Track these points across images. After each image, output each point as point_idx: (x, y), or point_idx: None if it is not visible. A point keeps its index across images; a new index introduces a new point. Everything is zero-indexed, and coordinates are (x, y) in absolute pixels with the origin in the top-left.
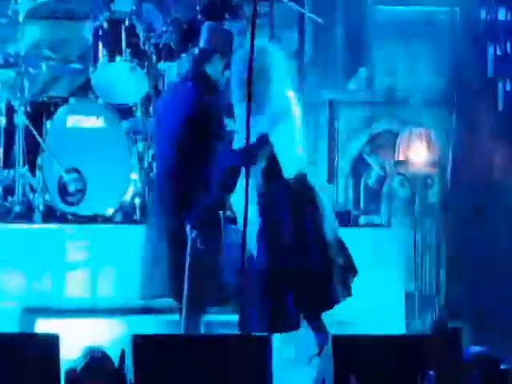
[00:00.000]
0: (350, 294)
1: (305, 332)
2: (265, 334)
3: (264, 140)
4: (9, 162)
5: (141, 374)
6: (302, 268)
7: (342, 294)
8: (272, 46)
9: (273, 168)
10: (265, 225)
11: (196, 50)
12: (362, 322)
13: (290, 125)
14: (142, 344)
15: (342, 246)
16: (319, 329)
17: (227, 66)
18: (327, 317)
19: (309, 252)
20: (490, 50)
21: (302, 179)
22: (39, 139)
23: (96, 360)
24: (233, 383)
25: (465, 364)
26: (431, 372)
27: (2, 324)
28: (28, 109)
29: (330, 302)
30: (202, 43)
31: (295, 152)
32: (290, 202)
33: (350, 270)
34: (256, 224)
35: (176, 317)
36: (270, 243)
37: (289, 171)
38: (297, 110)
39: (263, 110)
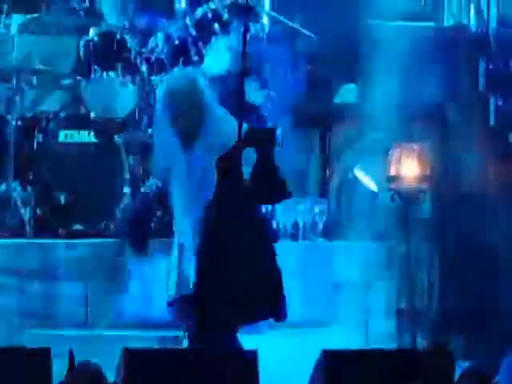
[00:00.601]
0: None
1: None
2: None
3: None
4: (0, 176)
5: None
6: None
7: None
8: (194, 71)
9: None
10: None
11: None
12: (353, 336)
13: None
14: (132, 358)
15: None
16: None
17: None
18: (318, 331)
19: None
20: (482, 64)
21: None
22: (31, 154)
23: (86, 374)
24: None
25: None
26: None
27: None
28: (19, 123)
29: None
30: None
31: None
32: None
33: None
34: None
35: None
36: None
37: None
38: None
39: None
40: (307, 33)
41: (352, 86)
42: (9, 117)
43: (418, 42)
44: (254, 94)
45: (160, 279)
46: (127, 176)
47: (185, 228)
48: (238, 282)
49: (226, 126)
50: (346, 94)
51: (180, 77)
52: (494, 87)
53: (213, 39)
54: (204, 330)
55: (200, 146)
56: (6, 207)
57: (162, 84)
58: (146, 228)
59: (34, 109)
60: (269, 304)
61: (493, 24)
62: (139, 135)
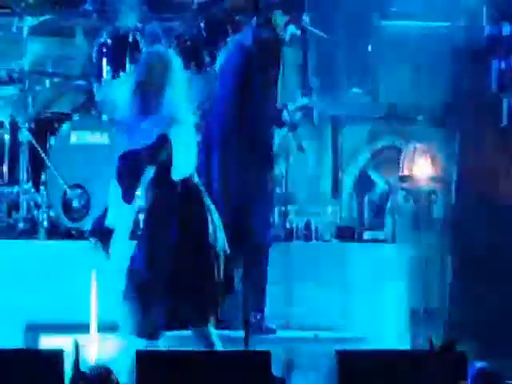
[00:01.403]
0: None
1: None
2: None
3: (164, 139)
4: (13, 179)
5: None
6: (182, 271)
7: (204, 314)
8: (171, 53)
9: (162, 170)
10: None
11: None
12: (367, 337)
13: (183, 129)
14: (145, 359)
15: (227, 260)
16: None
17: None
18: (330, 332)
19: (194, 254)
20: (494, 64)
21: (190, 182)
22: (43, 155)
23: (99, 376)
24: None
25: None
26: None
27: (7, 340)
28: (32, 125)
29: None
30: None
31: (186, 156)
32: (177, 203)
33: (224, 289)
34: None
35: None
36: (154, 244)
37: (178, 173)
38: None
39: (159, 111)
40: (319, 33)
41: (365, 86)
42: (21, 119)
43: (430, 42)
44: None
45: None
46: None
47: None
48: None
49: (180, 114)
50: (359, 95)
51: (155, 52)
52: (506, 88)
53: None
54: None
55: (150, 121)
56: (19, 209)
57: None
58: None
59: (46, 111)
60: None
61: (505, 25)
62: None
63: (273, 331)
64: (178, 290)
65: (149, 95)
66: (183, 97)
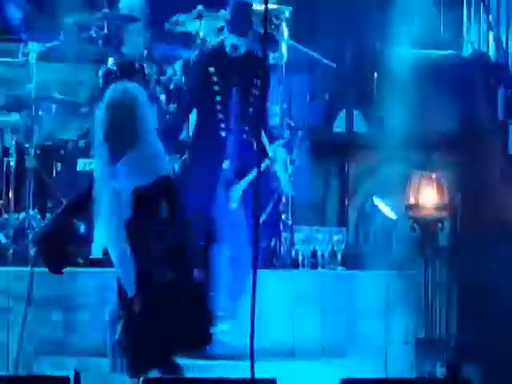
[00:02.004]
0: None
1: None
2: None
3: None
4: (19, 205)
5: None
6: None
7: None
8: (136, 86)
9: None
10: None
11: None
12: (371, 364)
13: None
14: None
15: None
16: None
17: None
18: (334, 360)
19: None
20: (501, 92)
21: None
22: (49, 182)
23: None
24: None
25: None
26: None
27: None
28: (38, 151)
29: None
30: None
31: None
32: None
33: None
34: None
35: None
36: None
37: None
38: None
39: (134, 147)
40: (326, 62)
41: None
42: (27, 145)
43: (437, 70)
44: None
45: None
46: None
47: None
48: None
49: (153, 152)
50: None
51: (120, 89)
52: None
53: None
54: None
55: (125, 166)
56: (26, 235)
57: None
58: None
59: (52, 137)
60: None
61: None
62: None
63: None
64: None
65: (118, 134)
66: (153, 128)
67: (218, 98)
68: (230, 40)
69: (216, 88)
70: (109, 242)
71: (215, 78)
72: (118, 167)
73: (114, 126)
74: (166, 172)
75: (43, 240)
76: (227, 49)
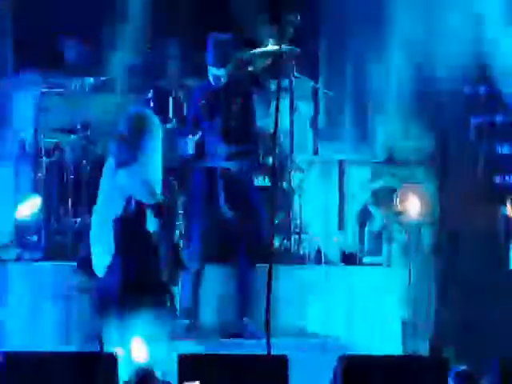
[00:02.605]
0: None
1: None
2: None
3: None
4: (76, 211)
5: None
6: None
7: None
8: (148, 112)
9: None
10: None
11: None
12: (364, 345)
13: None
14: (185, 362)
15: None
16: None
17: None
18: (333, 341)
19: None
20: (472, 119)
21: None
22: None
23: (145, 376)
24: None
25: None
26: None
27: None
28: (91, 166)
29: None
30: None
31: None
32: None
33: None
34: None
35: None
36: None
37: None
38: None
39: (137, 160)
40: (326, 91)
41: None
42: (84, 161)
43: (421, 99)
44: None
45: None
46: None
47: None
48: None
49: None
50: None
51: (139, 109)
52: (482, 138)
53: None
54: None
55: (125, 171)
56: (83, 240)
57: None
58: None
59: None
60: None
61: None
62: None
63: (257, 336)
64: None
65: (127, 147)
66: (159, 149)
67: (208, 125)
68: (212, 72)
69: (205, 116)
70: (95, 225)
71: (204, 108)
72: (120, 172)
73: (127, 135)
74: (156, 199)
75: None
76: (211, 80)
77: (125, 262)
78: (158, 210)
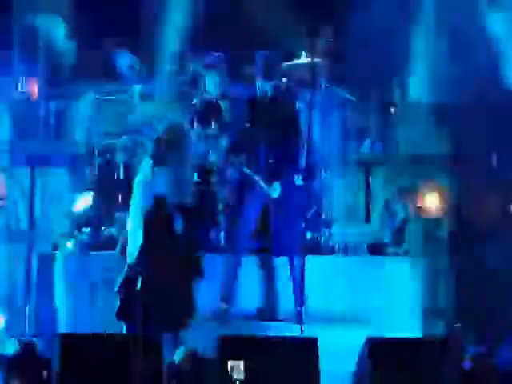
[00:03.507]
0: None
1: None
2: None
3: None
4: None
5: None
6: None
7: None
8: (183, 123)
9: None
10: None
11: None
12: (390, 326)
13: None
14: (225, 342)
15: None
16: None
17: None
18: (356, 323)
19: None
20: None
21: None
22: None
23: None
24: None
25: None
26: None
27: None
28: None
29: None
30: None
31: None
32: None
33: None
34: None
35: None
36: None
37: None
38: None
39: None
40: (352, 98)
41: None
42: (132, 161)
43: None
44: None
45: None
46: (220, 207)
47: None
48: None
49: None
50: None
51: (175, 119)
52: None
53: None
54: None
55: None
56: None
57: None
58: None
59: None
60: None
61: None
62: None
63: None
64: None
65: (163, 150)
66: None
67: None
68: (259, 84)
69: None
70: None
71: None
72: (154, 173)
73: (165, 141)
74: (184, 200)
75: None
76: (258, 91)
77: (148, 258)
78: (186, 211)
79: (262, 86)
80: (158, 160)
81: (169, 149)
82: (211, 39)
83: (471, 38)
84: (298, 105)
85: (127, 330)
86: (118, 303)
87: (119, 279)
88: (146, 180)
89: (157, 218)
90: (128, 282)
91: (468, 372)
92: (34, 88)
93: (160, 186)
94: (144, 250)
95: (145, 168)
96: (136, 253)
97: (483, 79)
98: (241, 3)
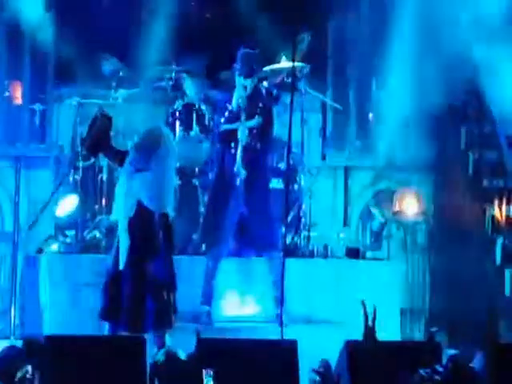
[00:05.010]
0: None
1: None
2: None
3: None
4: (109, 209)
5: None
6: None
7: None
8: (164, 129)
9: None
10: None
11: None
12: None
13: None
14: (205, 345)
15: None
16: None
17: None
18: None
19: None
20: (463, 129)
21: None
22: None
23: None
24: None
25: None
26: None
27: None
28: None
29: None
30: None
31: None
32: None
33: None
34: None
35: None
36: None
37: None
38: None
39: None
40: (336, 105)
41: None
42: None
43: (418, 112)
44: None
45: None
46: (202, 209)
47: None
48: None
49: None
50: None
51: (155, 125)
52: (472, 146)
53: None
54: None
55: (139, 180)
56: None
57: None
58: None
59: None
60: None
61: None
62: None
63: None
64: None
65: (143, 156)
66: (172, 163)
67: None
68: (239, 82)
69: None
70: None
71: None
72: (134, 178)
73: (142, 146)
74: (166, 210)
75: None
76: (238, 88)
77: (133, 261)
78: (162, 219)
79: (242, 83)
80: (137, 165)
81: (146, 154)
82: (193, 43)
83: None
84: (277, 108)
85: (110, 330)
86: (102, 304)
87: (104, 280)
88: (126, 185)
89: (139, 225)
90: (112, 283)
91: (445, 375)
92: (18, 91)
93: (140, 191)
94: (129, 253)
95: (124, 173)
96: (123, 255)
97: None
98: (224, 5)
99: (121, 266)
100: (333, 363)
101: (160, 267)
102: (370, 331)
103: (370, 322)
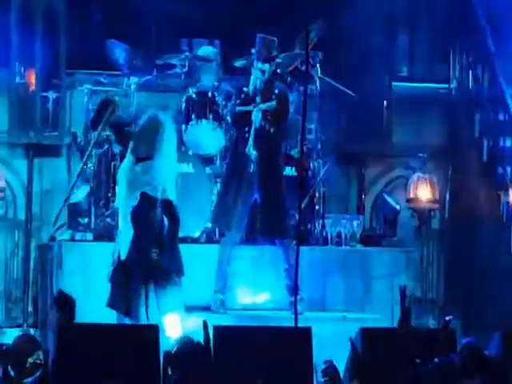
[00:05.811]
0: None
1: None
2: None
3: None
4: None
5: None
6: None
7: None
8: (164, 116)
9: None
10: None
11: None
12: (382, 317)
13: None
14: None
15: None
16: None
17: None
18: (349, 313)
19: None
20: (477, 115)
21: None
22: None
23: (187, 343)
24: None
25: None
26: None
27: None
28: None
29: None
30: None
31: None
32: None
33: None
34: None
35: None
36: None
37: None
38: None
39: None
40: (348, 91)
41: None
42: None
43: (431, 99)
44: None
45: None
46: (213, 198)
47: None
48: None
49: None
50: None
51: (156, 112)
52: (485, 133)
53: None
54: None
55: (140, 167)
56: None
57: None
58: None
59: None
60: None
61: (485, 84)
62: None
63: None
64: None
65: (144, 145)
66: (173, 151)
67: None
68: (257, 66)
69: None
70: (121, 214)
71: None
72: (136, 167)
73: (141, 134)
74: (168, 197)
75: None
76: (255, 72)
77: (138, 249)
78: (166, 206)
79: (260, 67)
80: (139, 153)
81: (146, 142)
82: (208, 28)
83: None
84: (292, 95)
85: (118, 319)
86: (110, 292)
87: (111, 268)
88: (129, 171)
89: (143, 214)
90: (119, 271)
91: (460, 363)
92: (32, 78)
93: (143, 180)
94: (134, 241)
95: (127, 162)
96: (127, 243)
97: None
98: None
99: (123, 255)
100: (347, 351)
101: (165, 254)
102: (406, 317)
103: (406, 308)
